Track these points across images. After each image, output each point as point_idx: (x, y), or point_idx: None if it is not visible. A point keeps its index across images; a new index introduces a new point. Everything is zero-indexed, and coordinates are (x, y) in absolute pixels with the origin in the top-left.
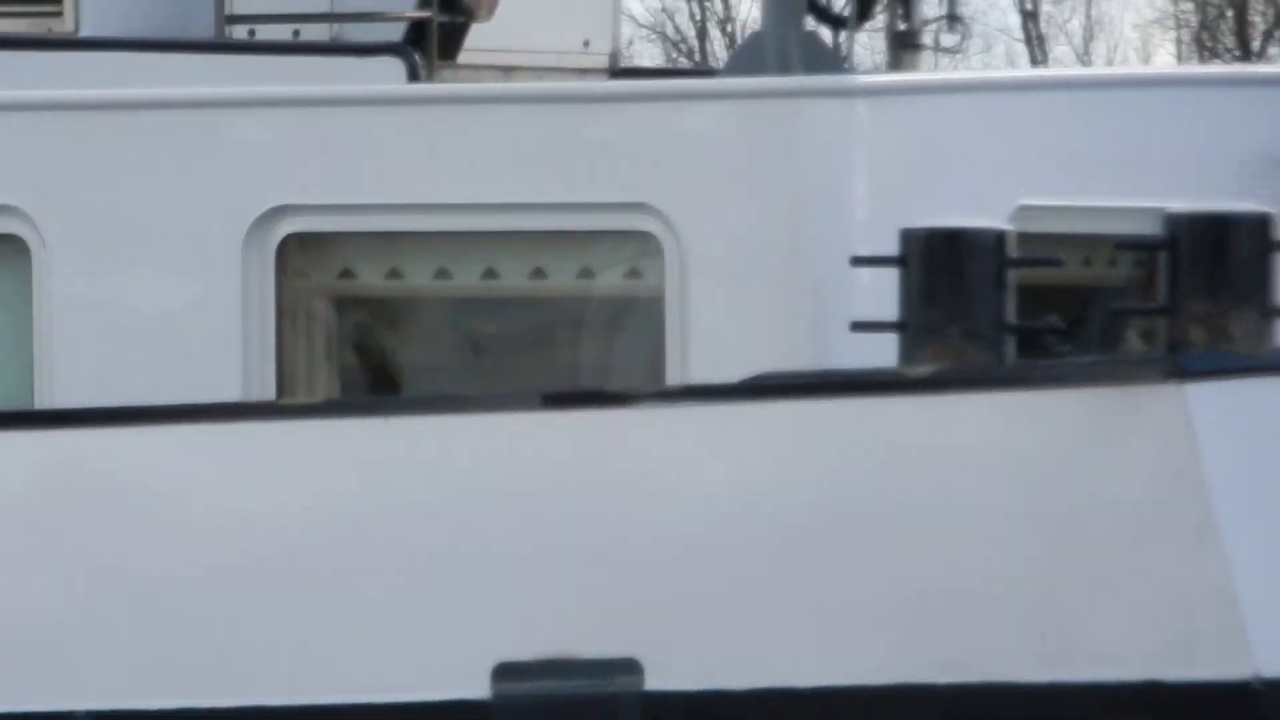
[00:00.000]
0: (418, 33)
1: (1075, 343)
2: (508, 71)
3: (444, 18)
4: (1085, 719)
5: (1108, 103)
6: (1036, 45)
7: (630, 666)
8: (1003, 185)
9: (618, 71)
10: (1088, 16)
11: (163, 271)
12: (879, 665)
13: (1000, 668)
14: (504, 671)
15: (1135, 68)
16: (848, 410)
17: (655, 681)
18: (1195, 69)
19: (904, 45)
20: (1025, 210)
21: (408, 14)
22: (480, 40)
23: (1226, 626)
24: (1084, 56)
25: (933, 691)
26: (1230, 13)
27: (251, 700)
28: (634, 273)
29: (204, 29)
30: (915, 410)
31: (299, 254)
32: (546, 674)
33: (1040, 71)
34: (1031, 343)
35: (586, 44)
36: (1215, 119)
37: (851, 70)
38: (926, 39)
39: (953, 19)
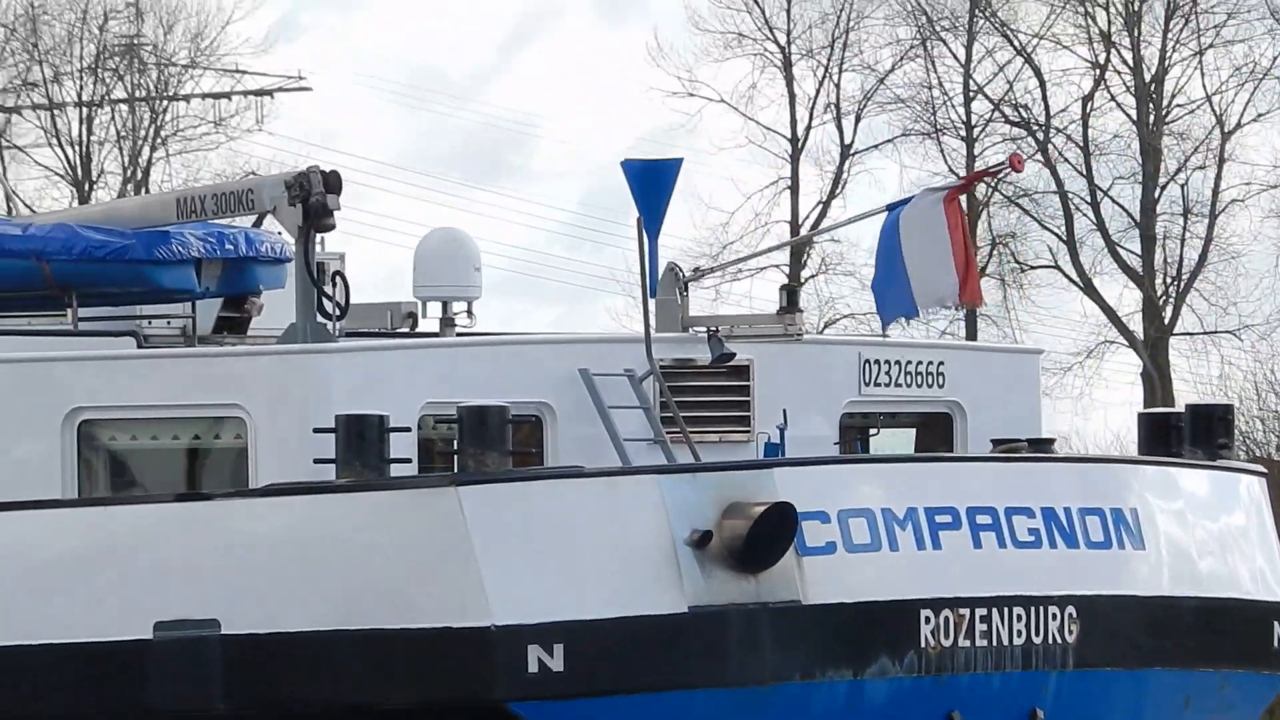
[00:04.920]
0: (223, 321)
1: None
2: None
3: (229, 314)
4: None
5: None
6: None
7: (214, 623)
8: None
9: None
10: None
11: None
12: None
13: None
14: (160, 625)
15: None
16: (314, 501)
17: (227, 630)
18: None
19: None
20: (430, 405)
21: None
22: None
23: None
24: None
25: None
26: None
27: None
28: (238, 437)
29: None
30: (339, 500)
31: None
32: (179, 627)
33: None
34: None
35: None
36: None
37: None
38: None
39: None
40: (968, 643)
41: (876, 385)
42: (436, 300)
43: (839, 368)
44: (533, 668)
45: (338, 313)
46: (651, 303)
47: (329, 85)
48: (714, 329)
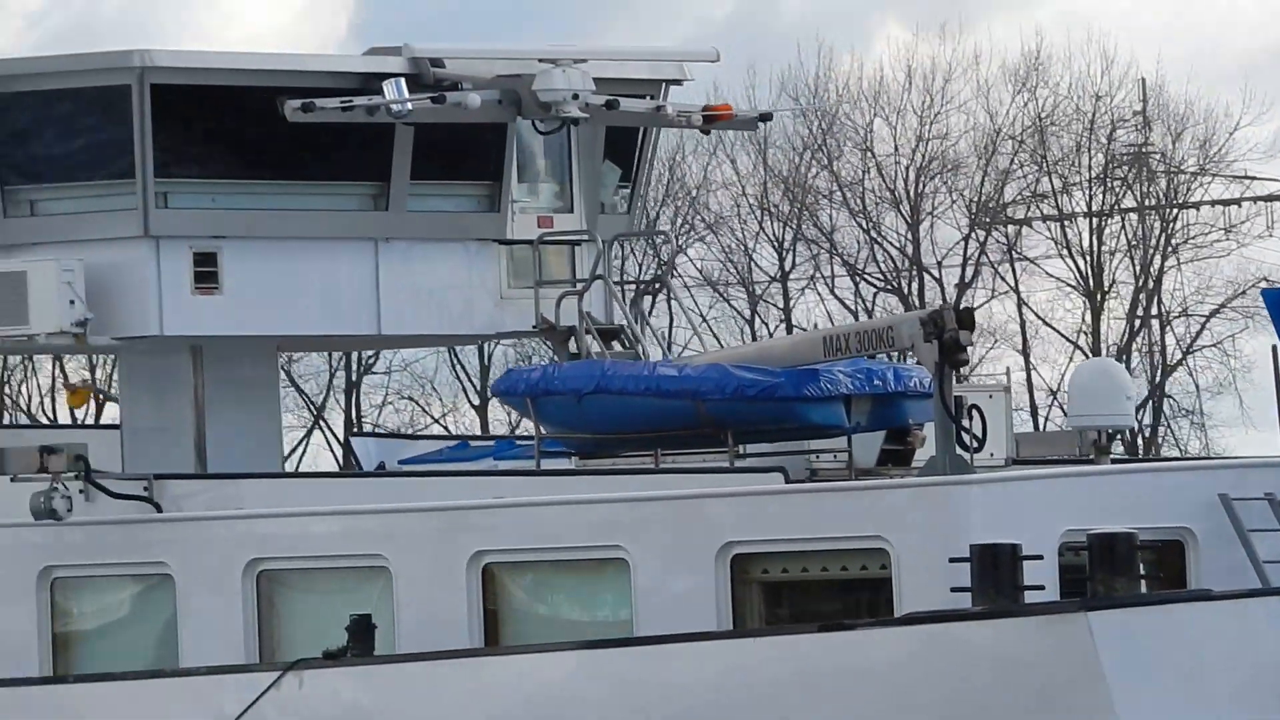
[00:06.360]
0: (887, 454)
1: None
2: None
3: (892, 446)
4: None
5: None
6: None
7: None
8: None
9: None
10: None
11: None
12: None
13: None
14: None
15: None
16: (951, 629)
17: None
18: None
19: None
20: (1069, 533)
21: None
22: None
23: None
24: None
25: None
26: None
27: None
28: (883, 567)
29: None
30: (975, 628)
31: None
32: None
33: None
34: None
35: None
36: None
37: None
38: None
39: None
40: None
41: None
42: (1091, 429)
43: None
44: None
45: (975, 444)
46: None
47: None
48: None
